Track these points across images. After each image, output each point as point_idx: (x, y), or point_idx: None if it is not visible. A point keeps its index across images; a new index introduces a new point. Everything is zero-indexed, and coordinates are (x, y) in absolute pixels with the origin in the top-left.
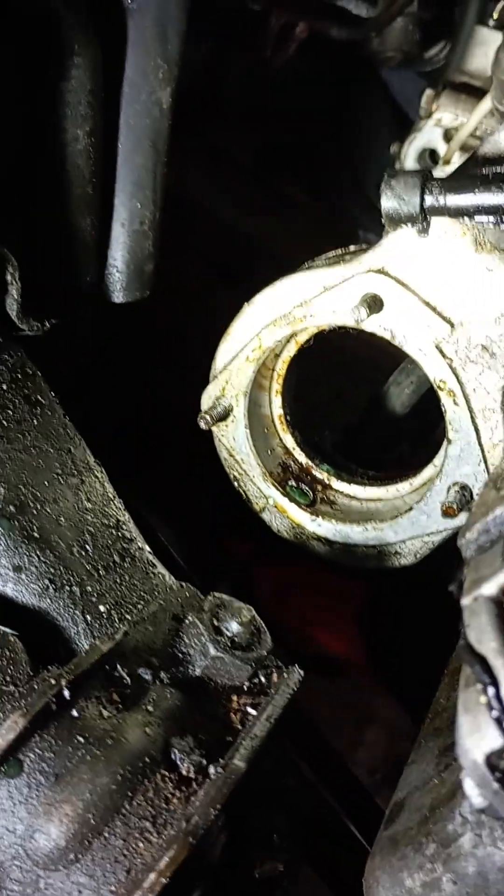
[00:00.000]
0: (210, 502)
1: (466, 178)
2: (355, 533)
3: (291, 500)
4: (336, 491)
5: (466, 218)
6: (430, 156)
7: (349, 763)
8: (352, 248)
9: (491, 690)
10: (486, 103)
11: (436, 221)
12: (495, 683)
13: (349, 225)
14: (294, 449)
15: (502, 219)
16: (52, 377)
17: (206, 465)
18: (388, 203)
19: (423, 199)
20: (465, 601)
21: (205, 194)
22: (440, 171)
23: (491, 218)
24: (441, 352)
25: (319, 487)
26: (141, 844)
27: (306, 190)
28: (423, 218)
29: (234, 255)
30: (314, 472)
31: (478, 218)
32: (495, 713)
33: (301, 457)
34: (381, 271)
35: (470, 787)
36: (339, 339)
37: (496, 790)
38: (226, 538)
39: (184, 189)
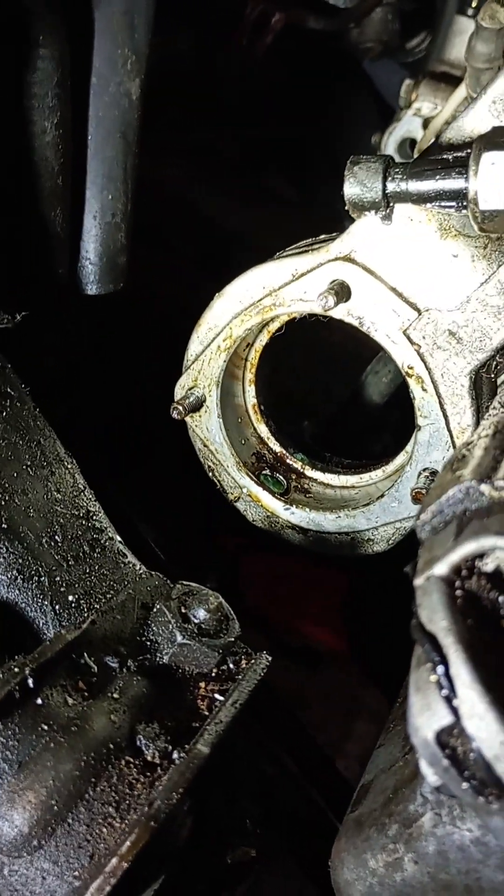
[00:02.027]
0: (198, 496)
1: (428, 163)
2: (328, 520)
3: (265, 489)
4: (310, 479)
5: (430, 204)
6: (411, 145)
7: (339, 755)
8: (321, 237)
9: (440, 669)
10: (461, 91)
11: (400, 208)
12: (445, 662)
13: (334, 217)
14: (268, 438)
15: (463, 204)
16: (31, 370)
17: (194, 459)
18: (350, 190)
19: (385, 186)
20: (418, 581)
21: (189, 189)
22: None
23: (452, 203)
24: (408, 338)
25: (293, 476)
26: (104, 830)
27: (291, 183)
28: (385, 204)
29: (218, 248)
30: (288, 460)
31: (440, 203)
32: (445, 691)
33: (275, 446)
34: (347, 259)
35: (424, 766)
36: (316, 328)
37: (446, 767)
38: (214, 531)
39: (169, 183)
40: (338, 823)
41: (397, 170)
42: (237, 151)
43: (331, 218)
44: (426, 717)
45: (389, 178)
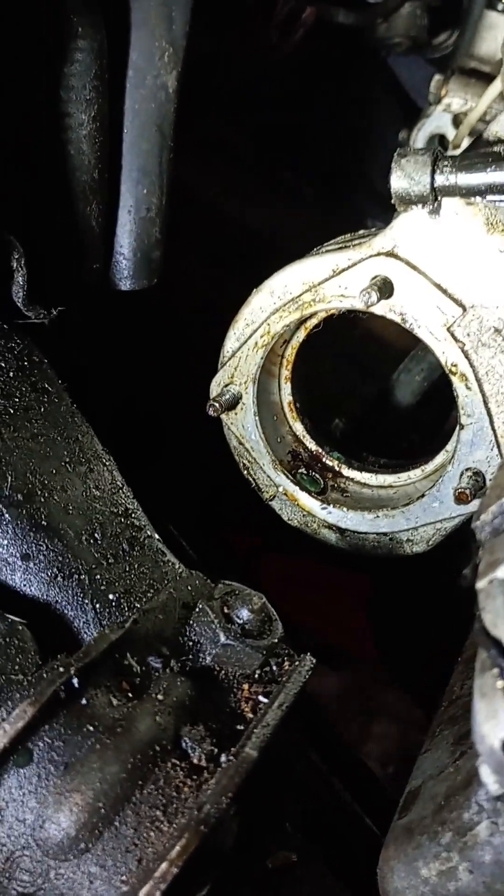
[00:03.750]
0: (217, 495)
1: (478, 156)
2: (367, 520)
3: (302, 488)
4: (347, 478)
5: (478, 198)
6: (440, 141)
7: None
8: (361, 231)
9: None
10: (496, 87)
11: (447, 202)
12: None
13: (356, 215)
14: (304, 436)
15: None
16: (62, 365)
17: (213, 458)
18: (398, 183)
19: (433, 179)
20: (481, 584)
21: (210, 187)
22: None
23: (503, 197)
24: (452, 335)
25: (330, 475)
26: (152, 834)
27: (311, 180)
28: (433, 198)
29: (239, 246)
30: (324, 459)
31: (489, 197)
32: None
33: (311, 444)
34: (391, 254)
35: (486, 773)
36: (348, 326)
37: None
38: (232, 531)
39: (190, 182)
40: (372, 825)
41: (446, 163)
42: (250, 147)
43: (352, 214)
44: (493, 725)
45: (438, 171)
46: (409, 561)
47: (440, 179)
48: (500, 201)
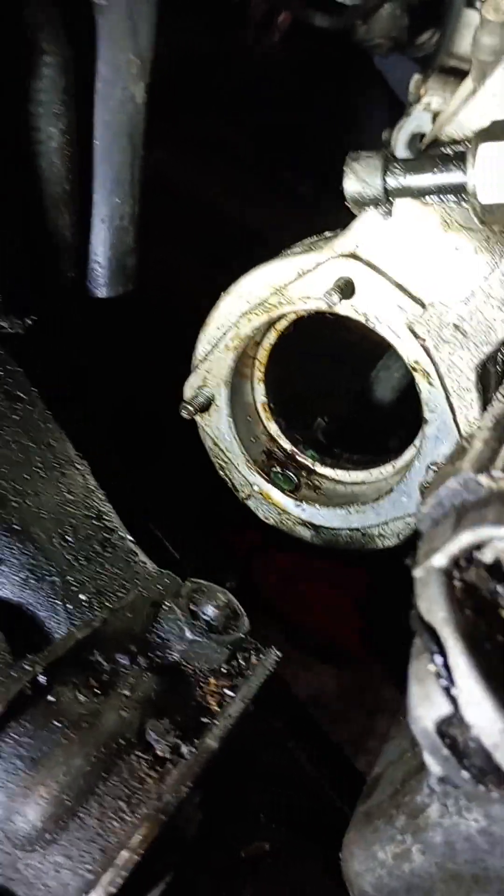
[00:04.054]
0: (211, 495)
1: (427, 158)
2: (339, 516)
3: (276, 486)
4: (320, 476)
5: (431, 198)
6: (421, 140)
7: (361, 752)
8: (326, 233)
9: (439, 659)
10: (468, 84)
11: (402, 203)
12: (443, 652)
13: (348, 212)
14: (279, 436)
15: (464, 197)
16: (40, 373)
17: (205, 458)
18: (350, 186)
19: (385, 181)
20: (417, 572)
21: (209, 187)
22: None
23: (453, 197)
24: (414, 332)
25: (304, 473)
26: (115, 823)
27: (310, 179)
28: (386, 200)
29: (232, 245)
30: (299, 457)
31: (441, 197)
32: (443, 682)
33: (286, 443)
34: (351, 255)
35: (426, 756)
36: (327, 325)
37: (447, 756)
38: (229, 529)
39: (180, 180)
40: (350, 813)
41: (396, 165)
42: (250, 147)
43: (345, 213)
44: (426, 708)
45: (389, 174)
46: (397, 554)
47: (391, 182)
48: (452, 201)
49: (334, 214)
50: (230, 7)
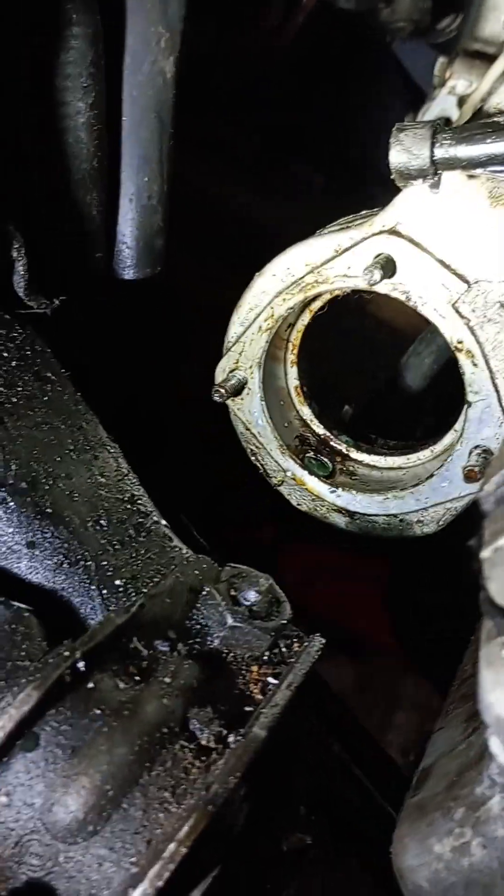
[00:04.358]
0: (218, 493)
1: (477, 127)
2: (376, 503)
3: (310, 472)
4: (355, 461)
5: (480, 170)
6: (446, 124)
7: (381, 745)
8: (364, 211)
9: None
10: (499, 66)
11: (448, 176)
12: None
13: (365, 204)
14: (312, 420)
15: None
16: (67, 354)
17: (215, 457)
18: (396, 157)
19: (433, 152)
20: (485, 553)
21: (216, 181)
22: None
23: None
24: (458, 312)
25: (338, 458)
26: (161, 815)
27: (319, 170)
28: (434, 172)
29: (245, 238)
30: (333, 443)
31: (491, 169)
32: None
33: (319, 428)
34: (393, 231)
35: (496, 744)
36: (358, 309)
37: None
38: (250, 523)
39: (196, 176)
40: (388, 807)
41: (446, 135)
42: (258, 143)
43: (361, 203)
44: (499, 694)
45: (438, 144)
46: (426, 543)
47: (440, 152)
48: (502, 171)
49: (350, 208)
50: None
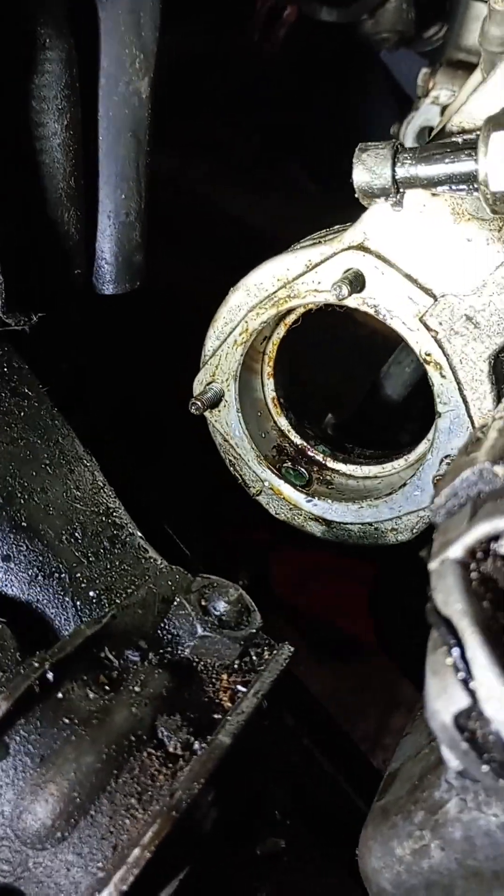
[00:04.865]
0: (216, 494)
1: (437, 147)
2: (351, 511)
3: (287, 481)
4: (332, 470)
5: (442, 188)
6: (430, 134)
7: (377, 748)
8: (335, 227)
9: (456, 652)
10: (477, 76)
11: (412, 194)
12: (460, 645)
13: (356, 208)
14: (289, 431)
15: (475, 186)
16: (46, 370)
17: (213, 458)
18: (359, 177)
19: (394, 172)
20: (433, 565)
21: (212, 186)
22: None
23: (464, 186)
24: (425, 325)
25: (315, 468)
26: (127, 821)
27: (311, 175)
28: (396, 190)
29: (238, 243)
30: (309, 452)
31: (451, 187)
32: (461, 674)
33: (296, 438)
34: (361, 247)
35: (444, 750)
36: (337, 318)
37: (465, 750)
38: (248, 523)
39: (186, 179)
40: (366, 810)
41: (406, 155)
42: (255, 145)
43: (353, 208)
44: (443, 701)
45: (398, 164)
46: (412, 548)
47: (401, 172)
48: (461, 190)
49: (341, 211)
50: (233, 5)
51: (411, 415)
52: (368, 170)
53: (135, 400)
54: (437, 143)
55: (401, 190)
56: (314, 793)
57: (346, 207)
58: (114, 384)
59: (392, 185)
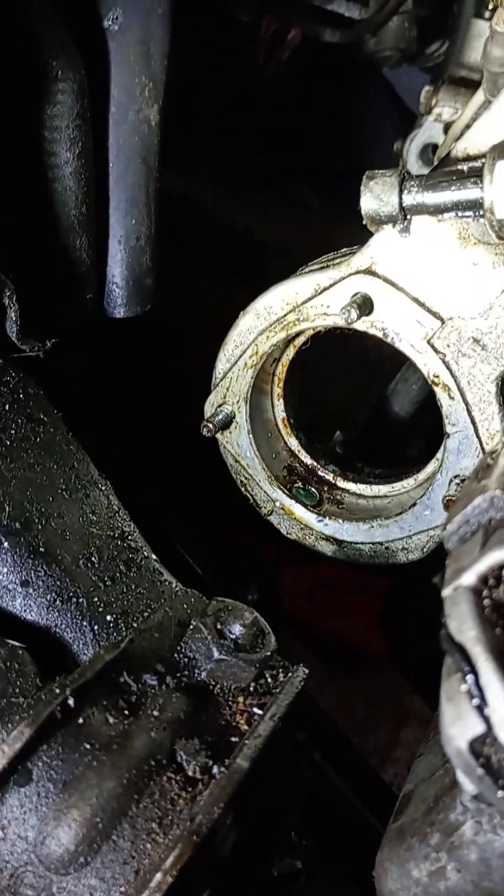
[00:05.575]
0: (216, 496)
1: (443, 174)
2: (362, 531)
3: (298, 501)
4: (342, 490)
5: (448, 214)
6: (433, 151)
7: (388, 762)
8: (343, 250)
9: (471, 678)
10: (480, 95)
11: (418, 219)
12: (475, 671)
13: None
14: (299, 451)
15: (480, 213)
16: (59, 395)
17: (213, 461)
18: (367, 204)
19: (401, 199)
20: (446, 592)
21: (216, 201)
22: None
23: (469, 213)
24: (433, 347)
25: (326, 488)
26: (148, 845)
27: (316, 193)
28: (403, 217)
29: (247, 262)
30: (320, 472)
31: (458, 214)
32: (476, 701)
33: (306, 458)
34: (368, 271)
35: (460, 775)
36: (345, 337)
37: (481, 776)
38: (253, 542)
39: (198, 196)
40: (383, 832)
41: (413, 182)
42: (261, 161)
43: (356, 224)
44: (459, 727)
45: (405, 192)
46: (424, 566)
47: (408, 199)
48: (467, 216)
49: (347, 228)
50: (238, 27)
51: (418, 431)
52: (376, 197)
53: (134, 402)
54: (442, 171)
55: (408, 216)
56: (327, 810)
57: (350, 223)
58: (115, 388)
59: (399, 212)
